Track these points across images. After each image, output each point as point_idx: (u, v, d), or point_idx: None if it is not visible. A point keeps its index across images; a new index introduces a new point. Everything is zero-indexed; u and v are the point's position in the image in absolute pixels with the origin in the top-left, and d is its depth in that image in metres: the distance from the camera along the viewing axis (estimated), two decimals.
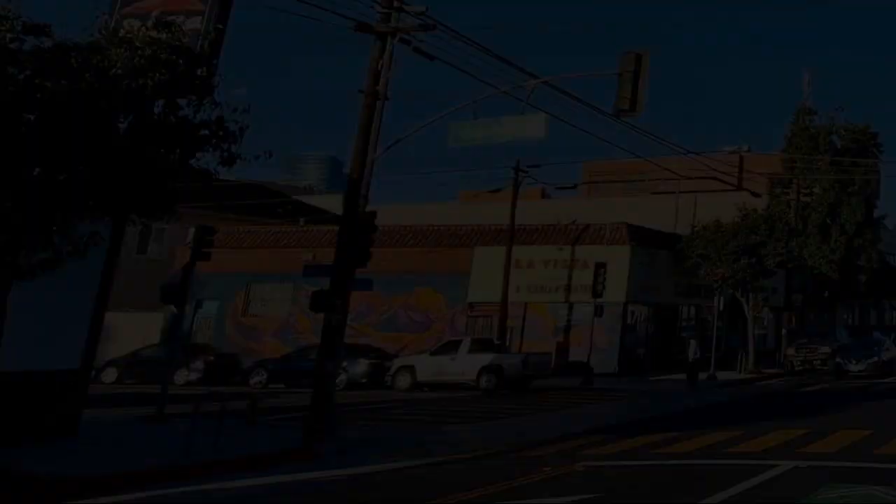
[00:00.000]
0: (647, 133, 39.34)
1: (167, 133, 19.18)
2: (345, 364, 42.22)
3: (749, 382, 50.90)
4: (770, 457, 22.12)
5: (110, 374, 48.92)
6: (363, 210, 27.23)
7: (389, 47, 27.27)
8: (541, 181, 60.91)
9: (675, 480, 19.45)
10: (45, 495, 17.44)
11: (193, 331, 59.06)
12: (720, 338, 59.65)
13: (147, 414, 30.04)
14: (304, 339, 57.08)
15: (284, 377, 48.60)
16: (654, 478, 19.88)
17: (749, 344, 59.82)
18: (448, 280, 61.08)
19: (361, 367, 47.76)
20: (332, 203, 66.97)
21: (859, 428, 28.12)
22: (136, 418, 29.89)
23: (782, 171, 70.73)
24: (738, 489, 17.53)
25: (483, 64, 28.71)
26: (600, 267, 53.84)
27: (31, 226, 17.55)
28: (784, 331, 66.58)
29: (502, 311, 53.49)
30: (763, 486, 17.95)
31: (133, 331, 57.02)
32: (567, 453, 23.77)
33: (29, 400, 22.72)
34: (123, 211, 19.88)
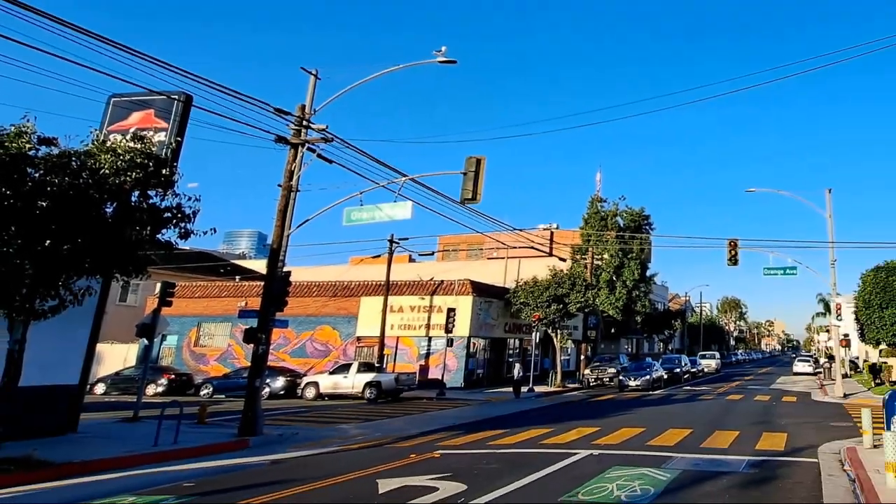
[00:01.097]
0: (484, 215, 39.95)
1: (141, 216, 19.62)
2: (268, 381, 43.04)
3: (557, 394, 51.14)
4: (572, 447, 22.98)
5: (100, 388, 48.74)
6: (281, 271, 27.62)
7: (300, 154, 27.67)
8: (408, 249, 61.46)
9: (505, 464, 19.69)
10: (57, 474, 17.79)
11: (159, 357, 61.35)
12: (537, 361, 60.31)
13: (126, 416, 29.97)
14: (239, 363, 58.71)
15: (225, 390, 48.48)
16: (491, 462, 20.07)
17: (557, 366, 60.27)
18: (342, 320, 61.47)
19: (280, 382, 47.66)
20: (260, 265, 68.45)
21: (636, 426, 28.98)
22: (119, 419, 29.72)
23: (581, 242, 71.84)
24: (550, 469, 18.52)
25: (366, 165, 29.16)
26: (451, 311, 54.49)
27: (44, 281, 17.98)
28: (582, 356, 67.29)
29: (381, 343, 53.73)
30: (568, 467, 18.92)
31: (116, 357, 58.22)
32: (428, 444, 24.29)
33: (42, 407, 23.34)
34: (109, 271, 20.21)
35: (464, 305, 58.20)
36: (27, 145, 17.16)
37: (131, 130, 23.08)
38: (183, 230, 20.62)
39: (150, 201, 19.87)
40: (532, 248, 60.81)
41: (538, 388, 53.48)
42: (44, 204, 17.10)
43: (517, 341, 66.31)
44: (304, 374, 50.78)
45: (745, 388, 59.04)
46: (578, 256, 70.45)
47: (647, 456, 20.97)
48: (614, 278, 71.42)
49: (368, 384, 45.11)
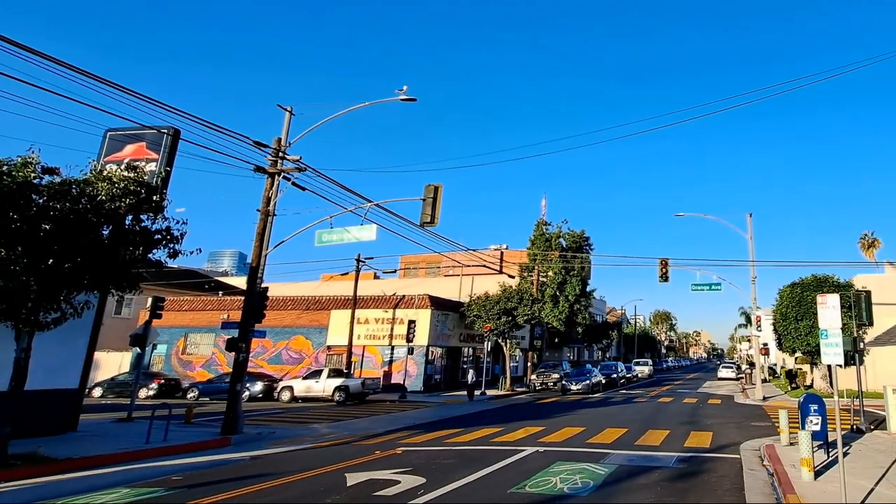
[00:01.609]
0: (441, 236, 40.16)
1: (134, 237, 19.67)
2: (248, 385, 43.44)
3: (507, 397, 51.08)
4: (520, 444, 23.12)
5: (97, 392, 48.59)
6: (259, 287, 27.69)
7: (276, 182, 27.81)
8: (373, 268, 61.25)
9: (460, 459, 19.77)
10: (59, 469, 17.86)
11: (150, 364, 60.54)
12: (488, 368, 60.95)
13: (121, 417, 29.96)
14: (222, 369, 58.69)
15: (209, 394, 48.14)
16: (447, 458, 20.12)
17: (507, 372, 60.38)
18: (314, 331, 61.37)
19: (259, 386, 47.49)
20: (240, 282, 68.45)
21: (577, 426, 29.10)
22: (114, 420, 29.62)
23: (528, 261, 72.00)
24: (501, 464, 18.67)
25: (336, 192, 29.38)
26: (412, 323, 54.77)
27: (47, 296, 18.05)
28: (529, 363, 67.39)
29: (349, 351, 53.64)
30: (516, 462, 19.04)
31: (112, 364, 58.29)
32: (391, 442, 24.34)
33: (45, 408, 23.44)
34: (105, 287, 20.22)
35: (423, 318, 58.44)
36: (32, 174, 17.28)
37: (125, 161, 23.06)
38: (172, 250, 20.70)
39: (143, 224, 19.94)
40: (484, 266, 60.86)
41: (490, 392, 53.56)
42: (47, 227, 17.18)
43: (471, 350, 66.39)
44: (280, 380, 50.58)
45: (675, 391, 59.00)
46: (526, 274, 70.63)
47: (587, 452, 21.17)
48: (558, 293, 71.57)
49: (338, 388, 45.14)
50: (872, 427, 27.42)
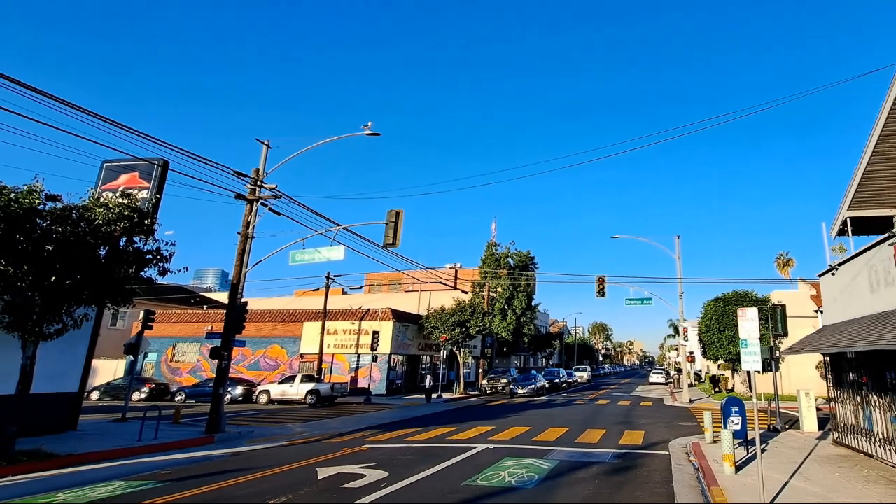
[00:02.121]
0: (402, 256, 40.43)
1: (127, 257, 19.77)
2: (229, 389, 43.39)
3: (461, 400, 50.92)
4: (472, 442, 23.19)
5: (95, 395, 48.08)
6: (240, 301, 27.68)
7: (255, 208, 27.90)
8: (341, 284, 61.33)
9: (419, 455, 19.81)
10: (61, 464, 17.89)
11: (142, 370, 60.02)
12: (444, 374, 60.85)
13: (116, 417, 29.86)
14: (206, 374, 59.23)
15: (195, 397, 48.11)
16: (408, 454, 20.12)
17: (460, 377, 60.38)
18: (288, 341, 61.21)
19: (239, 390, 47.08)
20: (223, 297, 68.18)
21: (523, 426, 29.22)
22: (110, 420, 29.44)
23: (480, 278, 72.22)
24: (455, 460, 18.76)
25: (308, 216, 29.55)
26: (376, 334, 54.80)
27: (50, 310, 18.16)
28: (480, 370, 67.46)
29: (319, 359, 53.47)
30: (469, 458, 19.11)
31: (108, 370, 58.04)
32: (357, 440, 24.29)
33: (48, 410, 23.53)
34: (102, 302, 20.30)
35: (386, 329, 58.48)
36: (36, 201, 17.40)
37: (120, 189, 23.19)
38: (161, 269, 20.79)
39: (135, 246, 20.03)
40: (440, 283, 61.16)
41: (445, 395, 53.53)
42: (50, 248, 17.32)
43: (428, 357, 66.38)
44: (259, 384, 50.28)
45: (611, 395, 58.89)
46: (477, 290, 70.80)
47: (532, 449, 21.34)
48: (506, 307, 71.84)
49: (310, 392, 45.01)
50: (787, 427, 27.80)
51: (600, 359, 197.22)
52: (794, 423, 29.21)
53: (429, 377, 51.70)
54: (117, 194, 20.36)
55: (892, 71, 18.32)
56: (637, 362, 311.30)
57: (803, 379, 48.12)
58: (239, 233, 27.84)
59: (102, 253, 19.08)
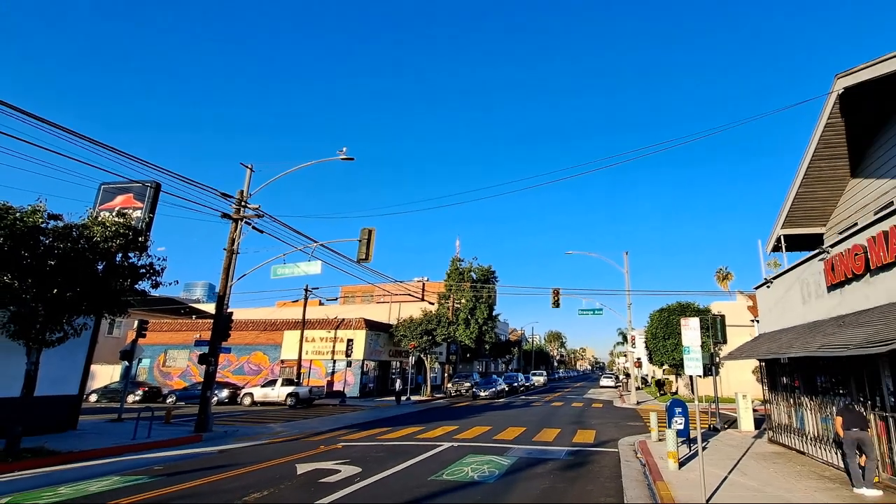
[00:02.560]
0: (374, 270, 40.54)
1: (123, 271, 19.81)
2: (216, 392, 43.88)
3: (428, 402, 50.72)
4: (438, 440, 23.13)
5: (93, 397, 47.80)
6: (226, 312, 27.70)
7: (239, 226, 27.95)
8: (318, 296, 61.34)
9: (390, 453, 19.82)
10: (62, 461, 17.88)
11: (137, 374, 60.07)
12: (412, 378, 60.93)
13: (112, 418, 29.99)
14: (195, 378, 59.03)
15: (185, 399, 48.04)
16: (379, 451, 20.12)
17: (427, 381, 60.29)
18: (270, 348, 61.07)
19: (225, 393, 46.97)
20: (210, 307, 67.88)
21: (485, 425, 29.21)
22: (107, 420, 29.42)
23: (445, 290, 72.32)
24: (422, 457, 18.76)
25: (288, 233, 29.60)
26: (350, 341, 54.78)
27: (52, 319, 18.17)
28: (446, 374, 67.75)
29: (298, 364, 53.33)
30: (435, 455, 19.12)
31: (105, 374, 58.26)
32: (333, 438, 24.22)
33: (50, 411, 23.57)
34: (100, 312, 20.34)
35: (359, 337, 58.55)
36: (39, 220, 17.44)
37: (116, 209, 23.18)
38: (154, 282, 20.84)
39: (130, 261, 20.11)
40: (409, 295, 61.13)
41: (414, 398, 53.65)
42: (52, 263, 17.36)
43: (398, 363, 66.34)
44: (243, 387, 50.18)
45: (565, 397, 58.54)
46: (443, 301, 70.85)
47: (493, 447, 21.38)
48: (469, 317, 71.91)
49: (290, 394, 44.87)
50: (726, 426, 27.92)
51: (555, 364, 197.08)
52: (732, 423, 29.30)
53: (398, 381, 51.59)
54: (114, 214, 20.42)
55: (823, 101, 18.83)
56: (589, 367, 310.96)
57: (741, 382, 48.51)
58: (225, 249, 27.86)
59: (100, 267, 19.14)
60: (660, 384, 64.37)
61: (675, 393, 60.53)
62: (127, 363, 32.71)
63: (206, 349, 28.42)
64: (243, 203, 28.23)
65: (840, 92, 17.39)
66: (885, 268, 13.72)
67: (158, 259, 21.00)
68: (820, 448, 17.69)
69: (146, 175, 23.53)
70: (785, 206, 22.79)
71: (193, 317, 73.10)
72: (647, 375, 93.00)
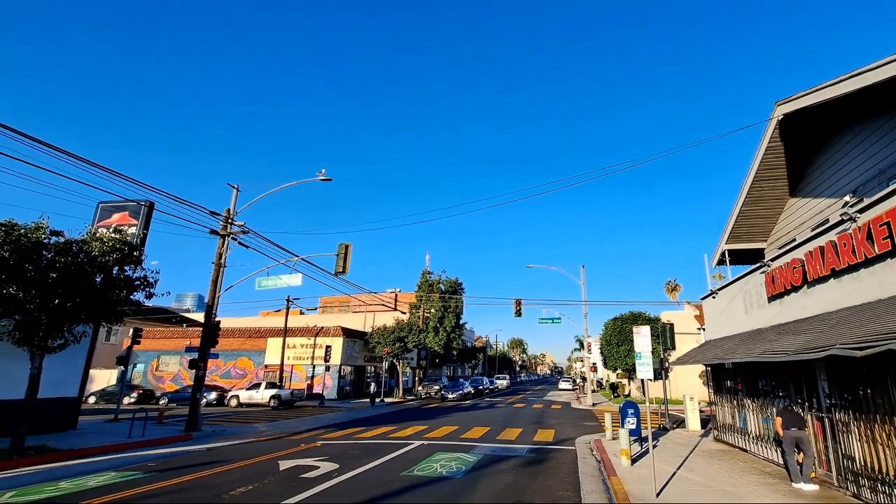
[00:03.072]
0: (350, 282, 40.54)
1: (119, 283, 19.76)
2: (205, 394, 43.53)
3: (400, 403, 50.63)
4: (410, 439, 23.15)
5: (92, 399, 47.68)
6: (214, 321, 27.62)
7: (226, 242, 27.93)
8: (299, 306, 61.08)
9: (365, 450, 19.86)
10: (63, 458, 17.80)
11: (132, 378, 59.32)
12: (386, 381, 60.79)
13: (109, 418, 29.95)
14: (186, 382, 59.18)
15: (176, 401, 47.92)
16: (355, 449, 20.14)
17: (399, 384, 60.18)
18: (255, 354, 61.04)
19: (213, 395, 46.85)
20: (200, 317, 67.47)
21: (453, 425, 29.26)
22: (105, 420, 29.30)
23: (416, 301, 72.23)
24: (395, 454, 18.80)
25: (271, 248, 29.65)
26: (328, 348, 54.42)
27: (54, 327, 18.13)
28: (416, 378, 67.55)
29: (281, 369, 53.12)
30: (407, 452, 19.16)
31: (103, 378, 57.97)
32: (312, 437, 24.19)
33: (52, 411, 23.52)
34: (98, 321, 20.28)
35: (337, 344, 58.66)
36: (42, 236, 17.44)
37: (113, 226, 23.17)
38: (148, 293, 20.80)
39: (126, 273, 20.06)
40: (383, 305, 61.09)
41: (387, 400, 53.51)
42: (54, 275, 17.35)
43: (373, 367, 66.24)
44: (230, 390, 49.83)
45: (527, 399, 58.39)
46: (414, 311, 70.79)
47: (460, 445, 21.45)
48: (438, 325, 71.76)
49: (273, 396, 44.72)
50: (675, 426, 28.03)
51: (518, 369, 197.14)
52: (681, 423, 29.32)
53: (373, 384, 51.47)
54: (111, 230, 20.39)
55: (764, 126, 19.12)
56: (549, 371, 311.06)
57: (689, 385, 49.00)
58: (213, 263, 27.83)
59: (98, 280, 19.12)
60: (614, 387, 64.53)
61: (628, 395, 60.66)
62: (123, 368, 32.47)
63: (195, 355, 28.46)
64: (230, 220, 28.22)
65: (780, 118, 17.64)
66: (822, 280, 13.91)
67: (152, 272, 21.01)
68: (761, 446, 17.83)
69: (140, 194, 23.62)
70: (729, 222, 22.89)
71: (184, 325, 72.54)
72: (602, 379, 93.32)
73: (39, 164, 18.26)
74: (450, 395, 56.91)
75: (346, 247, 29.12)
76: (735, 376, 20.69)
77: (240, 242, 28.44)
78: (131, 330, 32.58)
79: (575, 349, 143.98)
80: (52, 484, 13.93)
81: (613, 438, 22.06)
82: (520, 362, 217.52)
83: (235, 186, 28.99)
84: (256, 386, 46.89)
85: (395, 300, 61.28)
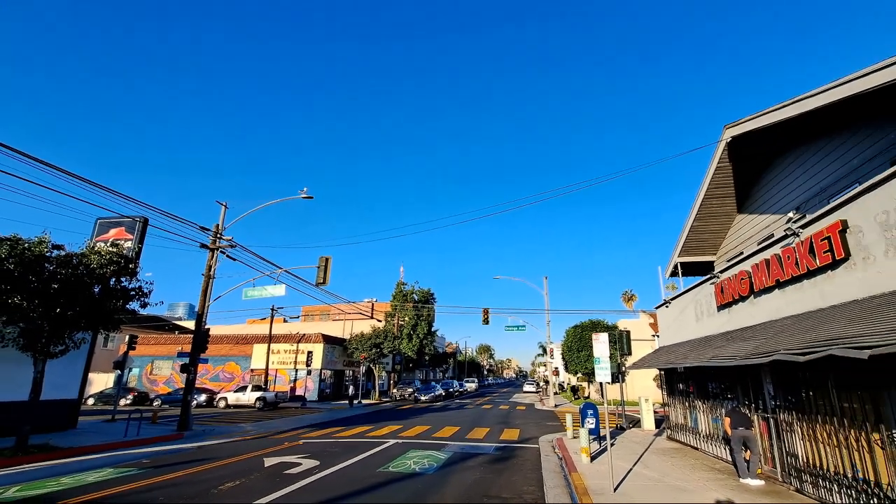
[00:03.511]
0: (330, 293, 40.44)
1: (116, 294, 19.72)
2: (196, 396, 43.83)
3: (376, 405, 50.44)
4: (385, 438, 23.14)
5: (90, 401, 47.11)
6: (203, 328, 27.54)
7: (215, 255, 27.94)
8: (283, 315, 60.87)
9: (344, 448, 19.92)
10: (64, 455, 17.81)
11: (127, 381, 58.90)
12: (363, 384, 60.68)
13: (107, 418, 29.79)
14: (178, 385, 59.26)
15: (169, 402, 47.86)
16: (335, 447, 20.19)
17: (376, 387, 60.18)
18: (242, 359, 60.70)
19: (203, 397, 46.60)
20: (190, 325, 66.85)
21: (425, 425, 29.22)
22: (103, 420, 29.12)
23: (391, 310, 72.18)
24: (372, 452, 18.85)
25: (257, 261, 29.69)
26: (310, 353, 54.54)
27: (55, 334, 18.13)
28: (392, 381, 67.48)
29: (266, 373, 52.75)
30: (383, 450, 19.19)
31: (100, 381, 58.35)
32: (295, 436, 24.15)
33: (54, 412, 23.47)
34: (96, 328, 20.18)
35: (318, 350, 58.67)
36: (45, 249, 17.45)
37: (110, 240, 23.03)
38: (142, 302, 20.75)
39: (122, 285, 20.01)
40: (360, 313, 61.27)
41: (364, 401, 53.29)
42: (55, 286, 17.32)
43: (351, 371, 66.12)
44: (218, 393, 49.57)
45: (494, 401, 58.15)
46: (389, 319, 70.54)
47: (432, 443, 21.47)
48: (412, 332, 71.56)
49: (258, 398, 44.57)
50: (632, 426, 28.01)
51: (485, 373, 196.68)
52: (636, 423, 29.24)
53: (351, 387, 51.63)
54: (108, 244, 20.33)
55: (713, 148, 19.17)
56: (514, 375, 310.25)
57: (644, 388, 49.28)
58: (203, 274, 27.79)
59: (97, 290, 19.08)
60: (574, 390, 64.68)
61: (588, 397, 60.86)
62: (119, 372, 32.28)
63: (186, 360, 28.31)
64: (219, 235, 28.22)
65: (728, 140, 17.64)
66: (767, 290, 14.08)
67: (146, 283, 20.94)
68: (711, 444, 17.89)
69: (136, 211, 23.52)
70: (681, 237, 22.83)
71: (176, 332, 71.23)
72: (563, 382, 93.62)
73: (42, 183, 18.22)
74: (422, 397, 57.03)
75: (327, 259, 29.21)
76: (687, 380, 20.75)
77: (228, 256, 28.44)
78: (127, 336, 32.48)
79: (538, 354, 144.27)
80: (54, 479, 13.97)
81: (574, 437, 22.10)
82: (487, 367, 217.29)
83: (224, 204, 29.00)
84: (243, 389, 46.67)
85: (372, 309, 61.44)
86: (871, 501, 9.73)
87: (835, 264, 11.15)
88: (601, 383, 18.74)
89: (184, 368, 27.11)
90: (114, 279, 19.75)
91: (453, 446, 20.71)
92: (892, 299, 9.01)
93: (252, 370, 60.06)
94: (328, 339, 61.71)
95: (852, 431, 10.38)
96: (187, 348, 40.51)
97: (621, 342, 28.51)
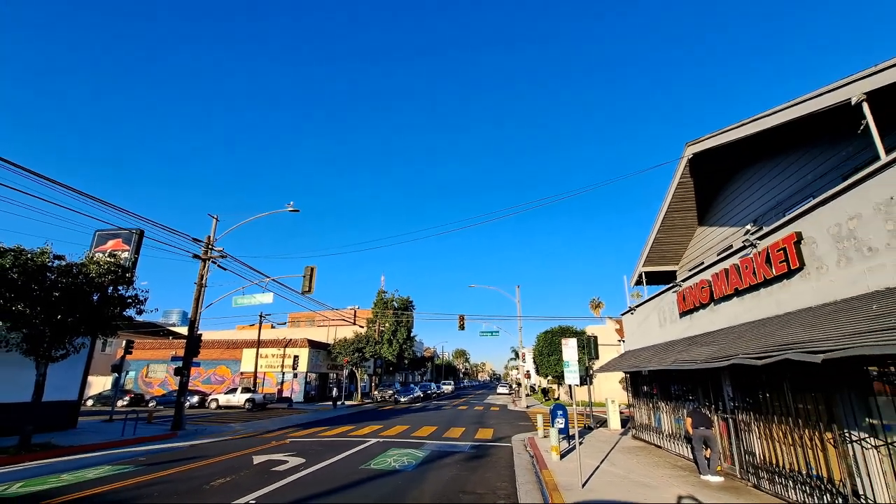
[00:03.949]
0: (315, 300, 40.43)
1: (114, 301, 19.61)
2: (189, 398, 43.39)
3: (359, 406, 50.30)
4: (367, 437, 23.13)
5: (90, 402, 46.63)
6: (196, 334, 27.40)
7: (207, 265, 27.84)
8: (271, 321, 60.74)
9: (328, 446, 19.89)
10: (65, 453, 17.73)
11: (124, 384, 58.69)
12: (346, 386, 61.24)
13: (105, 419, 29.80)
14: (172, 387, 58.60)
15: (163, 403, 47.34)
16: (320, 445, 20.23)
17: (358, 389, 59.95)
18: (232, 362, 60.37)
19: (195, 399, 46.14)
20: (184, 330, 66.43)
21: (405, 424, 29.16)
22: (101, 420, 29.04)
23: (373, 316, 72.04)
24: (354, 450, 18.87)
25: (246, 270, 29.62)
26: (296, 357, 54.39)
27: (57, 339, 18.02)
28: (373, 383, 67.27)
29: (255, 376, 52.57)
30: (364, 449, 19.21)
31: (99, 384, 57.98)
32: (282, 435, 24.08)
33: (55, 413, 23.29)
34: (95, 334, 20.03)
35: (304, 354, 58.47)
36: (47, 259, 17.39)
37: (108, 251, 22.99)
38: (138, 309, 20.64)
39: (119, 293, 19.90)
40: (344, 320, 61.25)
41: (347, 403, 53.05)
42: (56, 294, 17.26)
43: (335, 374, 65.88)
44: (210, 394, 49.17)
45: (469, 402, 57.89)
46: (371, 325, 70.50)
47: (411, 442, 21.48)
48: (392, 338, 71.45)
49: (247, 400, 44.37)
50: (599, 426, 27.88)
51: (461, 375, 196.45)
52: (603, 423, 29.24)
53: (335, 389, 51.42)
54: (106, 255, 20.23)
55: (676, 164, 19.26)
56: (488, 378, 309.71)
57: (611, 390, 49.51)
58: (195, 283, 27.67)
59: (96, 298, 18.99)
60: (545, 392, 64.78)
61: (558, 399, 60.79)
62: (117, 374, 31.95)
63: (180, 363, 28.15)
64: (210, 246, 28.13)
65: (689, 157, 17.65)
66: (726, 298, 14.06)
67: (142, 291, 20.82)
68: (674, 443, 17.91)
69: (132, 223, 23.40)
70: (646, 248, 22.80)
71: (170, 338, 70.43)
72: (535, 384, 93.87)
73: (43, 197, 18.13)
74: (402, 399, 57.03)
75: (312, 269, 29.18)
76: (651, 382, 20.78)
77: (219, 266, 28.34)
78: (124, 341, 32.35)
79: (511, 358, 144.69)
80: (56, 476, 13.92)
81: (545, 436, 22.14)
82: (463, 370, 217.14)
83: (215, 217, 28.93)
84: (233, 391, 46.43)
85: (355, 316, 61.59)
86: (825, 497, 9.84)
87: (790, 273, 11.22)
88: (570, 385, 18.81)
89: (177, 371, 26.90)
90: (111, 288, 19.63)
91: (431, 445, 20.68)
92: (843, 307, 9.10)
93: (242, 373, 59.67)
94: (313, 344, 61.49)
95: (807, 431, 10.47)
96: (181, 352, 40.34)
97: (589, 347, 28.57)
